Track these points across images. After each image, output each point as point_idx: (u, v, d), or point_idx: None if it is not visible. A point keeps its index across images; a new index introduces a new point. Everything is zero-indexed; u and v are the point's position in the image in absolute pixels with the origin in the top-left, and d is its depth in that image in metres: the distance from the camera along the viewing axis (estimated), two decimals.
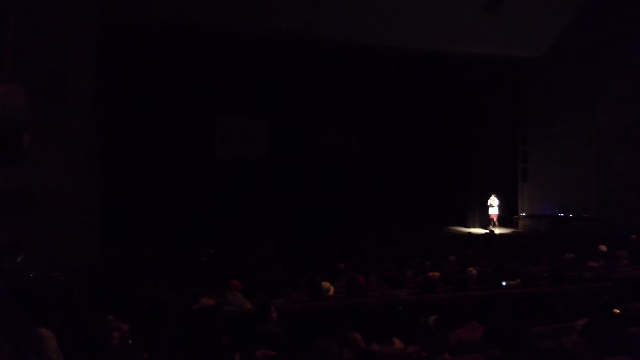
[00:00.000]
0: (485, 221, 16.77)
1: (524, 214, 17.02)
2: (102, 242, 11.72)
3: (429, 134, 17.25)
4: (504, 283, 6.54)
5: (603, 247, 9.03)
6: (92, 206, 11.50)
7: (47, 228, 9.41)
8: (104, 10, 11.11)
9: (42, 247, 9.07)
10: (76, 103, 10.44)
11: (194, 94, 14.41)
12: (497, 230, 15.87)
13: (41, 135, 9.35)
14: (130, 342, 4.38)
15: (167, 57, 13.76)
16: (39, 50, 9.37)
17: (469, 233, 15.32)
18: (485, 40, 14.72)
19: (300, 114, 15.91)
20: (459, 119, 17.28)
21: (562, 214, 15.05)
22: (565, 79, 15.40)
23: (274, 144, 15.95)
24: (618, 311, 4.42)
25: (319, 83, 15.65)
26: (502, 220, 16.51)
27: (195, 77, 14.34)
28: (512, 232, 16.04)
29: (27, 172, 8.67)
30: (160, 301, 5.92)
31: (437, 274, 7.39)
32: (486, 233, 15.11)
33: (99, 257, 10.99)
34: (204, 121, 15.14)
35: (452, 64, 16.22)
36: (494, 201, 16.65)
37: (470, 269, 7.74)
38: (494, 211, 16.70)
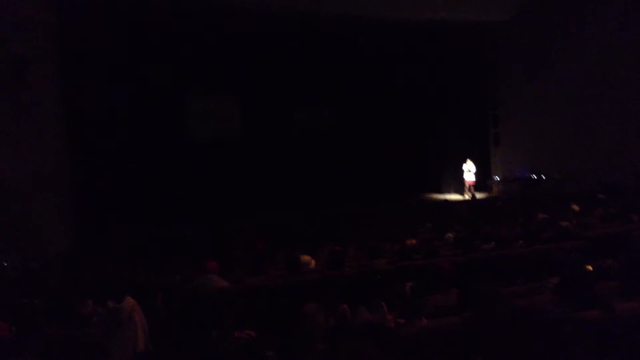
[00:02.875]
0: (461, 187, 16.77)
1: (497, 178, 17.23)
2: (78, 230, 11.59)
3: (399, 103, 17.29)
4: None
5: (575, 207, 9.23)
6: (64, 192, 11.34)
7: (19, 216, 9.27)
8: None
9: (15, 236, 8.93)
10: (41, 87, 10.22)
11: (163, 73, 14.15)
12: (471, 195, 15.96)
13: (8, 122, 9.16)
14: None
15: (134, 36, 13.44)
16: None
17: (445, 200, 15.51)
18: (452, 5, 14.66)
19: (271, 90, 15.80)
20: (428, 87, 17.29)
21: (534, 176, 15.26)
22: (532, 41, 15.47)
23: (247, 122, 15.84)
24: (590, 268, 4.53)
25: (288, 57, 15.53)
26: (476, 186, 16.54)
27: (164, 56, 14.05)
28: (486, 196, 16.25)
29: None
30: (140, 284, 5.91)
31: (413, 241, 7.49)
32: (464, 200, 15.28)
33: (74, 244, 10.89)
34: (175, 101, 14.94)
35: (420, 32, 16.15)
36: (470, 166, 16.32)
37: (448, 234, 7.88)
38: (470, 177, 16.32)
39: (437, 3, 14.44)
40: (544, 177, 14.94)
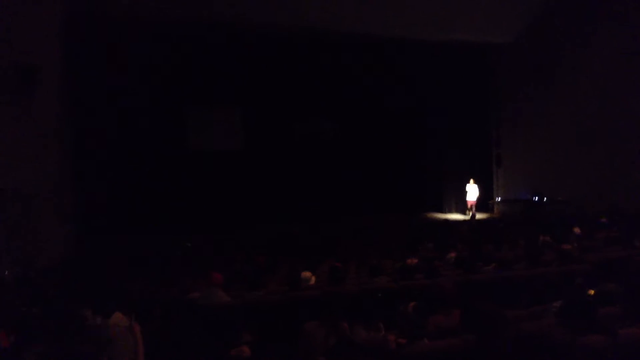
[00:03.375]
0: (463, 207, 16.77)
1: (499, 199, 17.21)
2: (77, 238, 11.57)
3: (403, 121, 17.34)
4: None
5: (577, 230, 9.21)
6: (66, 202, 11.34)
7: (20, 225, 9.24)
8: (71, 3, 10.88)
9: (15, 245, 8.91)
10: (46, 98, 10.27)
11: (166, 85, 14.23)
12: (476, 216, 15.95)
13: (11, 130, 9.18)
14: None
15: (138, 47, 13.52)
16: (6, 46, 9.16)
17: (446, 219, 15.48)
18: (457, 26, 14.78)
19: (273, 103, 15.86)
20: (432, 106, 17.36)
21: (536, 198, 15.25)
22: (535, 62, 15.54)
23: (249, 133, 15.87)
24: (592, 292, 4.51)
25: (291, 71, 15.62)
26: (478, 206, 16.53)
27: (167, 68, 14.13)
28: (488, 216, 16.22)
29: None
30: (141, 296, 5.88)
31: (415, 260, 7.45)
32: (465, 220, 15.23)
33: (74, 254, 10.87)
34: (177, 112, 15.00)
35: (425, 51, 16.23)
36: (472, 187, 16.38)
37: (449, 254, 7.84)
38: (471, 197, 16.37)
39: (442, 24, 14.55)
40: (546, 199, 14.93)
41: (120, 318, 4.37)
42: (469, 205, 16.43)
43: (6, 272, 7.24)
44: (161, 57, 13.96)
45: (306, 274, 6.63)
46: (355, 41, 15.53)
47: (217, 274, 6.09)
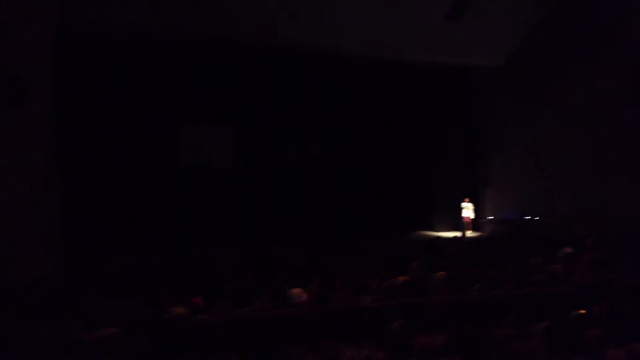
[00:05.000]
0: (453, 224, 16.82)
1: (488, 218, 17.30)
2: (64, 252, 11.43)
3: (393, 141, 17.43)
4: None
5: (567, 249, 9.26)
6: (52, 214, 11.22)
7: (3, 237, 9.13)
8: (62, 15, 10.88)
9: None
10: (34, 109, 10.21)
11: (156, 100, 14.22)
12: (468, 234, 16.02)
13: None
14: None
15: (130, 64, 13.54)
16: None
17: (435, 238, 15.48)
18: (446, 49, 14.99)
19: (264, 121, 15.88)
20: (421, 126, 17.50)
21: (525, 218, 15.35)
22: (524, 85, 15.76)
23: (239, 151, 15.86)
24: (584, 311, 4.53)
25: (283, 90, 15.67)
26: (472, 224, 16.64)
27: (158, 83, 14.14)
28: (477, 235, 16.28)
29: None
30: (127, 312, 5.82)
31: (401, 279, 7.44)
32: (454, 237, 15.28)
33: (60, 267, 10.73)
34: (167, 128, 14.96)
35: (413, 72, 16.43)
36: (467, 205, 16.55)
37: (438, 273, 7.83)
38: (467, 214, 16.55)
39: (431, 47, 14.74)
40: (534, 219, 15.02)
41: (110, 331, 4.52)
42: (465, 222, 16.52)
43: None
44: (155, 74, 13.97)
45: (296, 290, 6.60)
46: (347, 62, 15.67)
47: (197, 298, 6.09)
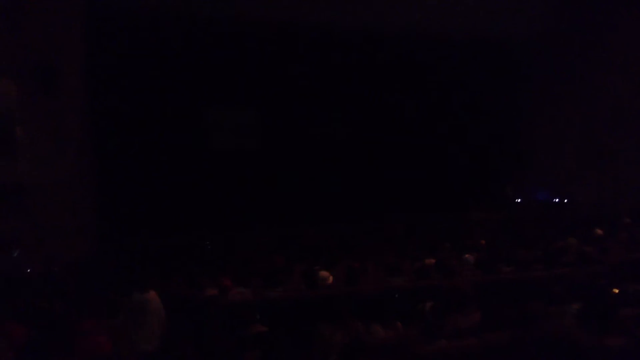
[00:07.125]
0: (487, 204, 16.60)
1: (520, 199, 17.01)
2: (99, 235, 11.71)
3: (424, 118, 17.18)
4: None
5: (599, 231, 9.08)
6: (87, 199, 11.48)
7: (42, 222, 9.38)
8: (91, 2, 11.03)
9: (37, 242, 9.05)
10: (67, 96, 10.41)
11: (185, 84, 14.31)
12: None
13: (33, 128, 9.32)
14: None
15: (158, 47, 13.63)
16: (29, 45, 9.30)
17: (465, 220, 15.31)
18: (478, 23, 14.66)
19: (291, 103, 15.84)
20: (452, 103, 17.20)
21: (557, 199, 15.07)
22: (556, 62, 15.36)
23: (267, 133, 15.87)
24: (617, 290, 4.45)
25: (310, 71, 15.57)
26: (502, 206, 16.38)
27: (186, 67, 14.23)
28: (509, 216, 16.04)
29: (19, 165, 8.65)
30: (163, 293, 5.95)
31: (432, 260, 7.41)
32: (484, 220, 15.09)
33: (95, 250, 11.00)
34: (196, 111, 15.04)
35: (448, 49, 16.16)
36: (506, 186, 16.50)
37: (467, 255, 7.77)
38: (506, 195, 16.51)
39: (462, 21, 14.45)
40: (566, 201, 14.74)
41: (154, 295, 5.31)
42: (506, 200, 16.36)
43: (28, 270, 7.36)
44: (182, 56, 14.06)
45: (324, 273, 6.63)
46: (373, 40, 15.50)
47: (227, 278, 6.21)
